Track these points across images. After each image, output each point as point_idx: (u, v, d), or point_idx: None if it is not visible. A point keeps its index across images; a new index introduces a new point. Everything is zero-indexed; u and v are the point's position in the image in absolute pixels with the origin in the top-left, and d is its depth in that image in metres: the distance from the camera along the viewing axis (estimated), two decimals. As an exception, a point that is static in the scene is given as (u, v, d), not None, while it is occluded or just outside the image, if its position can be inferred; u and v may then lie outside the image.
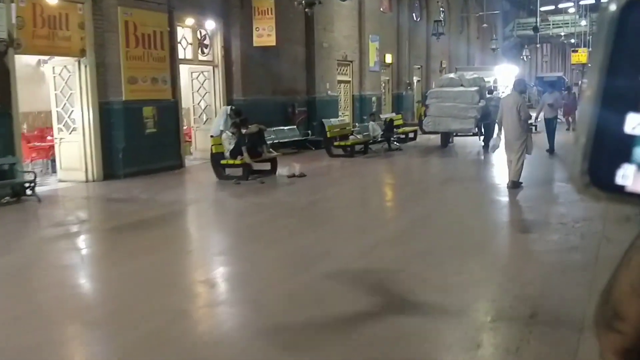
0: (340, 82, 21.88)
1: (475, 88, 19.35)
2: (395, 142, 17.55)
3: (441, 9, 32.70)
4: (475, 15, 38.83)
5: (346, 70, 22.36)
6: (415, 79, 29.26)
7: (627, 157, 0.45)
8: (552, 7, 49.48)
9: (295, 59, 18.54)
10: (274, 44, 15.43)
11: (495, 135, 11.06)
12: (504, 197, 9.54)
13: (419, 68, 29.79)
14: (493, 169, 13.46)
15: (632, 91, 0.45)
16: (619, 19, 0.45)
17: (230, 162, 11.02)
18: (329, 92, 20.24)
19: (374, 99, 23.90)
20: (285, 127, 16.96)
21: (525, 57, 39.53)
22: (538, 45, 42.65)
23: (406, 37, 26.88)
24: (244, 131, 11.27)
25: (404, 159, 15.67)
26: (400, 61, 26.90)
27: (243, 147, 10.92)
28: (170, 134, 12.98)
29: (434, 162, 15.22)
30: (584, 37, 45.09)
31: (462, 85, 20.01)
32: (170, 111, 13.05)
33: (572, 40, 48.46)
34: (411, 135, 19.96)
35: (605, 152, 0.46)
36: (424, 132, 20.91)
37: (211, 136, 11.96)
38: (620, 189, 0.46)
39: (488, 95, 20.51)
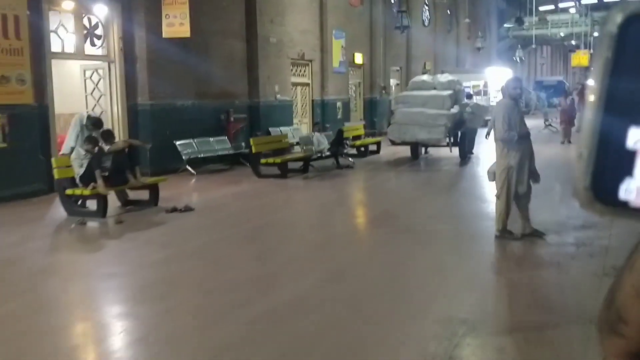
0: (296, 84, 18.81)
1: (448, 92, 16.49)
2: (348, 158, 14.48)
3: (425, 4, 29.67)
4: (466, 14, 35.74)
5: (304, 71, 19.29)
6: (393, 82, 26.16)
7: (630, 172, 0.46)
8: (551, 7, 46.40)
9: (232, 57, 15.47)
10: (187, 35, 12.37)
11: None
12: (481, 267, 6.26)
13: (397, 70, 26.71)
14: (468, 197, 10.31)
15: (634, 106, 0.45)
16: (619, 33, 0.46)
17: (78, 191, 7.94)
18: (279, 96, 17.16)
19: (339, 104, 20.82)
20: (212, 138, 13.87)
21: (519, 58, 36.42)
22: (534, 46, 39.54)
23: (381, 35, 23.80)
24: (106, 148, 8.20)
25: (350, 180, 12.58)
26: (373, 62, 23.82)
27: (97, 170, 7.84)
28: (30, 151, 9.91)
29: (386, 186, 12.11)
30: (585, 38, 41.96)
31: (434, 89, 16.86)
32: (31, 120, 9.99)
33: (573, 42, 45.34)
34: (374, 147, 16.86)
35: (608, 167, 0.47)
36: (393, 143, 17.94)
37: (62, 155, 8.89)
38: (624, 204, 0.47)
39: (466, 101, 17.45)
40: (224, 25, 15.00)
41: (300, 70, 19.06)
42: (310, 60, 19.33)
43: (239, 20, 15.66)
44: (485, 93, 31.69)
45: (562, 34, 42.50)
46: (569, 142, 17.85)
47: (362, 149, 16.22)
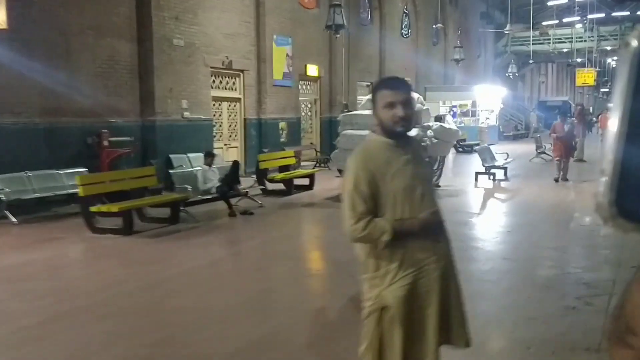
0: (220, 99, 15.13)
1: None
2: (255, 199, 10.69)
3: (404, 12, 26.04)
4: (455, 24, 32.10)
5: (232, 84, 15.61)
6: (362, 98, 22.40)
7: None
8: (555, 22, 42.66)
9: (112, 62, 11.85)
10: (3, 26, 8.71)
11: None
12: None
13: (367, 85, 23.01)
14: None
15: None
16: None
17: None
18: (188, 113, 13.47)
19: (282, 124, 17.09)
20: (64, 171, 10.14)
21: (512, 74, 32.67)
22: (531, 61, 35.84)
23: (343, 44, 20.14)
24: None
25: (230, 238, 8.73)
26: (333, 75, 20.14)
27: None
28: None
29: (282, 248, 8.23)
30: (590, 54, 38.21)
31: None
32: None
33: (578, 60, 41.61)
34: (307, 181, 13.09)
35: (632, 183, 0.47)
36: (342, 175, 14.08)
37: None
38: None
39: (428, 124, 13.85)
40: (99, 19, 11.39)
41: (227, 83, 15.38)
42: (242, 71, 15.66)
43: (125, 15, 12.05)
44: (474, 114, 27.94)
45: (565, 50, 38.78)
46: (566, 179, 13.95)
47: (290, 183, 12.43)
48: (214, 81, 14.80)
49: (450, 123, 28.93)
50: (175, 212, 8.89)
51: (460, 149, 24.43)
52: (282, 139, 17.03)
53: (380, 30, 23.80)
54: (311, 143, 18.53)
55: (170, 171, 9.37)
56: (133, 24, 12.24)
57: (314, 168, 17.66)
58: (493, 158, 15.40)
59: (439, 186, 14.43)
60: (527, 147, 21.95)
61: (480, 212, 10.78)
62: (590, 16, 38.26)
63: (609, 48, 37.77)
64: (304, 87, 19.07)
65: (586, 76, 39.20)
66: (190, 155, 13.19)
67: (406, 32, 26.61)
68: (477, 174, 14.61)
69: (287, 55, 17.15)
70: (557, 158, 13.94)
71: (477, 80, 31.84)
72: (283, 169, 13.03)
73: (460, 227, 8.79)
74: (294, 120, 17.76)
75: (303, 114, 19.99)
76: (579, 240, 8.24)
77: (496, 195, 12.90)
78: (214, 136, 14.89)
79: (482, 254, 7.32)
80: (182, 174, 9.70)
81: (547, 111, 39.67)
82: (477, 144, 25.41)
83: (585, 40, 36.84)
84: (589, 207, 10.19)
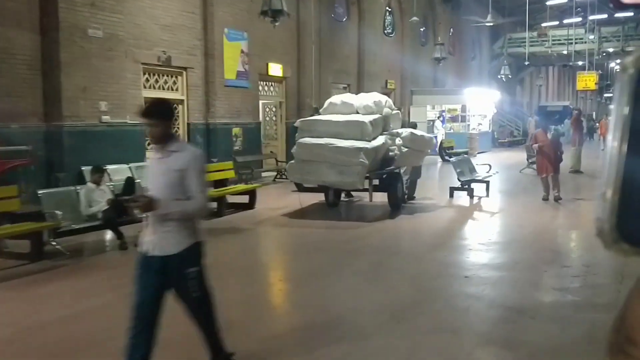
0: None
1: (372, 117, 11.29)
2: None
3: (387, 9, 24.00)
4: (447, 24, 30.03)
5: (173, 83, 13.58)
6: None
7: None
8: (555, 23, 40.48)
9: (8, 54, 9.83)
10: None
11: None
12: None
13: (344, 88, 20.97)
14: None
15: None
16: (638, 78, 0.49)
17: None
18: (108, 117, 11.45)
19: (235, 130, 15.04)
20: None
21: (504, 76, 30.57)
22: (527, 63, 33.72)
23: (313, 42, 18.12)
24: None
25: (105, 287, 6.60)
26: (302, 76, 18.10)
27: None
28: None
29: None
30: (591, 57, 36.02)
31: (357, 112, 11.85)
32: None
33: (580, 63, 39.43)
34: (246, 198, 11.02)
35: (633, 206, 0.47)
36: (300, 188, 12.35)
37: None
38: None
39: (398, 131, 11.96)
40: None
41: (166, 82, 13.35)
42: (185, 68, 13.64)
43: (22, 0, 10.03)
44: (464, 119, 25.83)
45: (565, 52, 36.61)
46: (559, 198, 11.60)
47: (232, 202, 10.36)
48: (147, 80, 12.78)
49: (438, 129, 27.09)
50: (37, 246, 6.83)
51: (447, 158, 22.33)
52: (236, 147, 14.98)
53: (359, 27, 21.76)
54: (271, 152, 16.46)
55: (40, 191, 7.28)
56: (34, 10, 10.22)
57: (274, 180, 15.65)
58: (473, 170, 13.32)
59: (414, 198, 12.45)
60: (521, 156, 19.82)
61: (437, 243, 8.68)
62: (591, 17, 36.14)
63: (611, 50, 35.63)
64: (265, 88, 17.03)
65: (587, 80, 37.00)
66: (111, 167, 11.14)
67: (390, 31, 24.57)
68: (452, 189, 12.53)
69: (242, 51, 15.11)
70: (542, 175, 11.70)
71: (471, 83, 29.76)
72: (218, 184, 10.97)
73: (391, 273, 6.74)
74: (251, 126, 15.71)
75: (267, 118, 17.97)
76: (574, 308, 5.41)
77: (469, 217, 10.79)
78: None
79: (405, 327, 5.20)
80: (54, 194, 7.61)
81: (547, 117, 37.57)
82: (466, 152, 23.33)
83: (585, 42, 34.70)
84: (587, 239, 8.11)
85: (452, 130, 25.58)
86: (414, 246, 8.33)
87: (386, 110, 12.56)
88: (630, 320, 0.53)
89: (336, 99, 13.06)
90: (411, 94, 26.24)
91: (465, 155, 13.83)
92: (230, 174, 11.22)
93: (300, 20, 17.82)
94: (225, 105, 14.62)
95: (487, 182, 13.17)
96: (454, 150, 22.76)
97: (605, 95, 71.75)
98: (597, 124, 33.73)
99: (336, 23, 20.34)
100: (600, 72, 37.43)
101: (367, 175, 10.67)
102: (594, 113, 58.42)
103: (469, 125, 25.78)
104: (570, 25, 36.98)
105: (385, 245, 8.43)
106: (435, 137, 25.27)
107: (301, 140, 11.50)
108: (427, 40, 28.35)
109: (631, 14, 36.67)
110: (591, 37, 34.63)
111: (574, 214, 10.71)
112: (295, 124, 12.60)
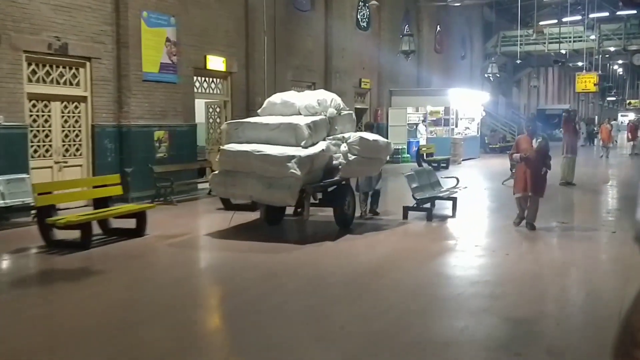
0: (47, 98, 10.72)
1: (311, 119, 9.56)
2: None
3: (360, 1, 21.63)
4: (432, 20, 27.60)
5: (73, 77, 11.18)
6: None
7: None
8: (554, 21, 37.99)
9: None
10: None
11: None
12: None
13: (309, 86, 18.58)
14: None
15: None
16: None
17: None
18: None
19: (159, 134, 12.65)
20: None
21: (491, 75, 28.06)
22: (518, 61, 31.20)
23: (266, 32, 15.72)
24: None
25: None
26: (252, 71, 15.71)
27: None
28: None
29: None
30: (591, 56, 33.56)
31: (300, 113, 10.13)
32: None
33: (580, 63, 36.96)
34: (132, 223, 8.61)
35: None
36: (227, 206, 10.28)
37: None
38: None
39: (349, 135, 9.65)
40: None
41: (62, 75, 10.96)
42: (88, 59, 11.26)
43: None
44: (447, 122, 23.39)
45: (563, 51, 34.13)
46: (532, 226, 8.94)
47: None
48: (34, 72, 10.40)
49: (421, 133, 24.60)
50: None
51: (426, 166, 19.89)
52: (160, 154, 12.59)
53: (327, 19, 19.38)
54: (205, 159, 14.05)
55: None
56: None
57: (209, 193, 13.26)
58: (436, 185, 10.90)
59: (377, 213, 10.52)
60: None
61: (361, 285, 6.24)
62: (592, 15, 33.69)
63: (612, 49, 33.14)
64: (205, 85, 14.64)
65: (587, 81, 34.57)
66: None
67: (365, 25, 22.16)
68: (406, 209, 10.09)
69: (168, 40, 12.72)
70: (518, 193, 9.07)
71: (461, 84, 27.27)
72: (99, 203, 8.56)
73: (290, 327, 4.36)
74: (183, 129, 13.31)
75: (211, 120, 15.59)
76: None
77: (412, 250, 8.27)
78: (34, 151, 10.48)
79: None
80: None
81: (545, 120, 35.13)
82: (447, 159, 20.90)
83: (585, 40, 32.21)
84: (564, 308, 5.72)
85: (434, 135, 23.15)
86: (327, 288, 5.91)
87: (331, 110, 10.34)
88: (636, 322, 0.54)
89: (276, 97, 11.00)
90: (390, 95, 23.84)
91: (428, 167, 11.34)
92: (116, 191, 8.78)
93: (250, 6, 15.44)
94: (144, 103, 12.23)
95: (454, 200, 10.75)
96: (434, 158, 20.33)
97: (609, 98, 69.27)
98: (598, 129, 31.25)
99: (297, 13, 17.95)
100: (600, 72, 34.86)
101: (303, 188, 8.65)
102: (596, 117, 55.94)
103: (453, 129, 23.32)
104: (568, 22, 34.53)
105: (305, 282, 6.06)
106: (418, 142, 22.93)
107: (225, 147, 9.40)
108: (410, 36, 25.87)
109: (634, 11, 34.30)
110: (592, 37, 32.12)
111: (545, 252, 8.14)
112: (222, 127, 10.35)
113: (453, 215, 10.41)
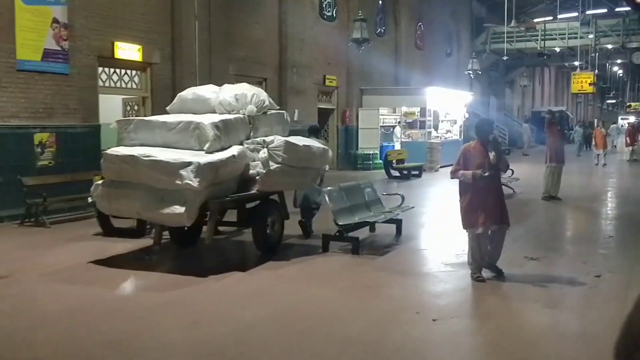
0: None
1: (220, 118, 7.72)
2: None
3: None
4: (413, 12, 25.16)
5: None
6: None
7: None
8: (549, 18, 35.55)
9: None
10: None
11: None
12: None
13: (260, 82, 16.17)
14: None
15: None
16: None
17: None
18: None
19: (41, 136, 10.21)
20: None
21: (471, 72, 25.56)
22: (505, 58, 28.76)
23: (197, 16, 13.28)
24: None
25: None
26: (179, 63, 13.30)
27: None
28: None
29: None
30: (587, 54, 31.11)
31: (215, 112, 8.41)
32: None
33: (576, 63, 34.46)
34: None
35: None
36: (108, 232, 7.88)
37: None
38: None
39: (272, 139, 7.25)
40: None
41: None
42: None
43: None
44: (424, 125, 20.95)
45: (557, 49, 31.68)
46: (501, 277, 6.35)
47: None
48: None
49: (397, 137, 22.18)
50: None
51: (397, 175, 17.50)
52: (42, 162, 10.16)
53: (280, 5, 16.94)
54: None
55: None
56: None
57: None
58: (373, 205, 8.47)
59: (309, 235, 8.63)
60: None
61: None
62: (589, 12, 31.26)
63: (610, 46, 30.66)
64: (114, 77, 12.20)
65: (583, 81, 32.17)
66: None
67: (330, 14, 19.72)
68: (325, 238, 7.64)
69: (56, 21, 10.30)
70: (477, 228, 6.21)
71: (447, 84, 24.76)
72: None
73: None
74: (78, 131, 10.87)
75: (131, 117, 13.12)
76: None
77: (304, 302, 5.79)
78: None
79: None
80: None
81: (540, 123, 32.69)
82: (419, 167, 18.43)
83: (581, 37, 29.74)
84: None
85: (410, 139, 20.72)
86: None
87: (250, 108, 8.14)
88: (638, 326, 0.53)
89: (188, 92, 9.01)
90: (361, 94, 21.42)
91: (367, 183, 8.82)
92: None
93: (176, -15, 13.04)
94: (19, 98, 9.82)
95: (399, 223, 8.35)
96: (405, 165, 17.90)
97: (608, 101, 66.55)
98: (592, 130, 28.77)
99: (244, -4, 15.53)
100: (597, 72, 32.41)
101: (206, 203, 6.92)
102: (595, 121, 53.24)
103: (429, 132, 20.89)
104: (562, 18, 32.08)
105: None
106: (394, 147, 20.56)
107: (109, 150, 7.43)
108: (386, 29, 23.47)
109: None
110: (590, 35, 29.67)
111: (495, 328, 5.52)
112: (111, 126, 8.13)
113: (394, 244, 7.99)
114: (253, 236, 7.63)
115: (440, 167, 20.46)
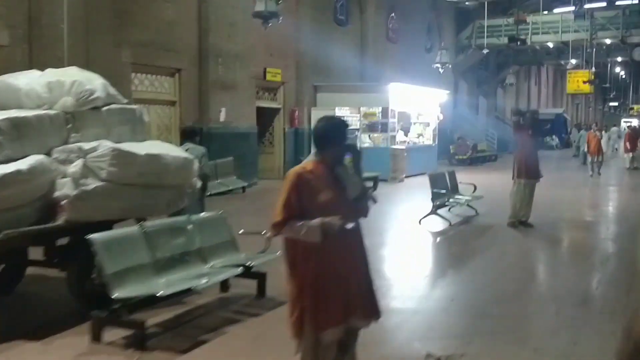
0: None
1: (7, 115, 5.07)
2: None
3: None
4: (384, 1, 22.12)
5: None
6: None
7: None
8: (544, 13, 32.43)
9: None
10: None
11: None
12: None
13: (173, 73, 13.12)
14: None
15: None
16: None
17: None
18: None
19: None
20: None
21: (439, 65, 22.29)
22: (485, 51, 25.58)
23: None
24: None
25: None
26: (38, 46, 10.31)
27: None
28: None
29: None
30: (584, 50, 28.00)
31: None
32: None
33: (573, 61, 31.31)
34: None
35: None
36: None
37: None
38: None
39: (95, 145, 5.49)
40: None
41: None
42: None
43: None
44: (386, 128, 17.88)
45: (550, 44, 28.60)
46: None
47: None
48: None
49: (362, 143, 19.05)
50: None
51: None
52: None
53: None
54: None
55: None
56: None
57: None
58: (213, 254, 5.43)
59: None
60: (474, 179, 11.50)
61: None
62: (587, 5, 28.18)
63: (608, 41, 27.55)
64: None
65: (579, 80, 29.14)
66: None
67: (274, -4, 16.64)
68: (97, 321, 4.58)
69: None
70: (330, 327, 2.75)
71: (427, 82, 21.55)
72: None
73: None
74: None
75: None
76: None
77: None
78: None
79: None
80: None
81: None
82: (375, 177, 15.32)
83: (575, 30, 26.64)
84: None
85: (371, 144, 17.66)
86: None
87: (65, 101, 5.64)
88: (638, 329, 0.51)
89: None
90: (314, 91, 18.40)
91: (191, 219, 5.72)
92: None
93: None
94: None
95: (261, 277, 5.36)
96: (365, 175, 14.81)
97: (610, 103, 63.16)
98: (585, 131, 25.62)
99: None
100: (594, 69, 29.30)
101: None
102: (596, 123, 49.97)
103: (393, 136, 17.84)
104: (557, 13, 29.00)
105: None
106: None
107: None
108: (349, 17, 20.45)
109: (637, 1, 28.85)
110: (582, 25, 26.62)
111: None
112: None
113: (239, 317, 4.97)
114: (67, 282, 5.23)
115: (406, 176, 17.45)
